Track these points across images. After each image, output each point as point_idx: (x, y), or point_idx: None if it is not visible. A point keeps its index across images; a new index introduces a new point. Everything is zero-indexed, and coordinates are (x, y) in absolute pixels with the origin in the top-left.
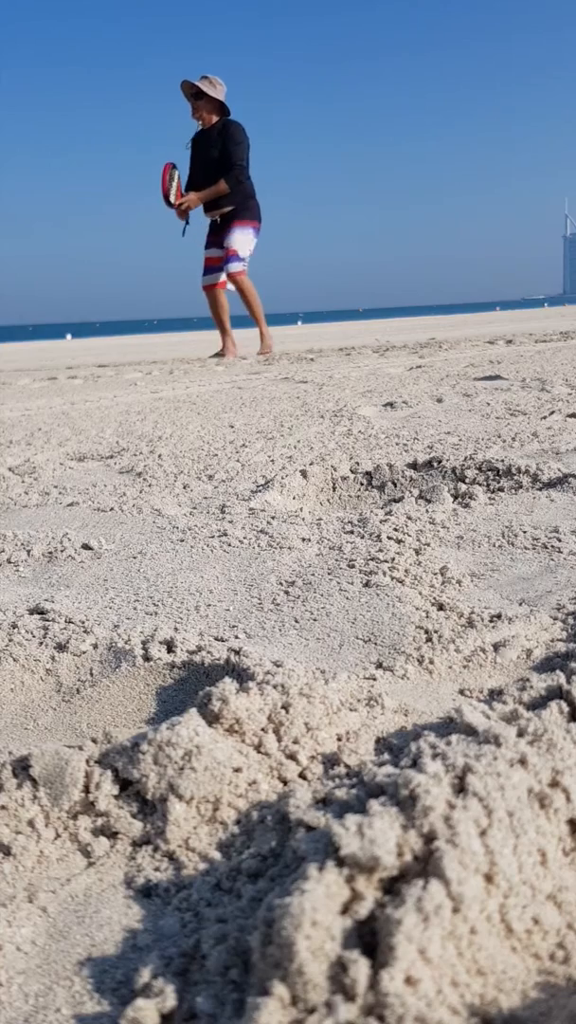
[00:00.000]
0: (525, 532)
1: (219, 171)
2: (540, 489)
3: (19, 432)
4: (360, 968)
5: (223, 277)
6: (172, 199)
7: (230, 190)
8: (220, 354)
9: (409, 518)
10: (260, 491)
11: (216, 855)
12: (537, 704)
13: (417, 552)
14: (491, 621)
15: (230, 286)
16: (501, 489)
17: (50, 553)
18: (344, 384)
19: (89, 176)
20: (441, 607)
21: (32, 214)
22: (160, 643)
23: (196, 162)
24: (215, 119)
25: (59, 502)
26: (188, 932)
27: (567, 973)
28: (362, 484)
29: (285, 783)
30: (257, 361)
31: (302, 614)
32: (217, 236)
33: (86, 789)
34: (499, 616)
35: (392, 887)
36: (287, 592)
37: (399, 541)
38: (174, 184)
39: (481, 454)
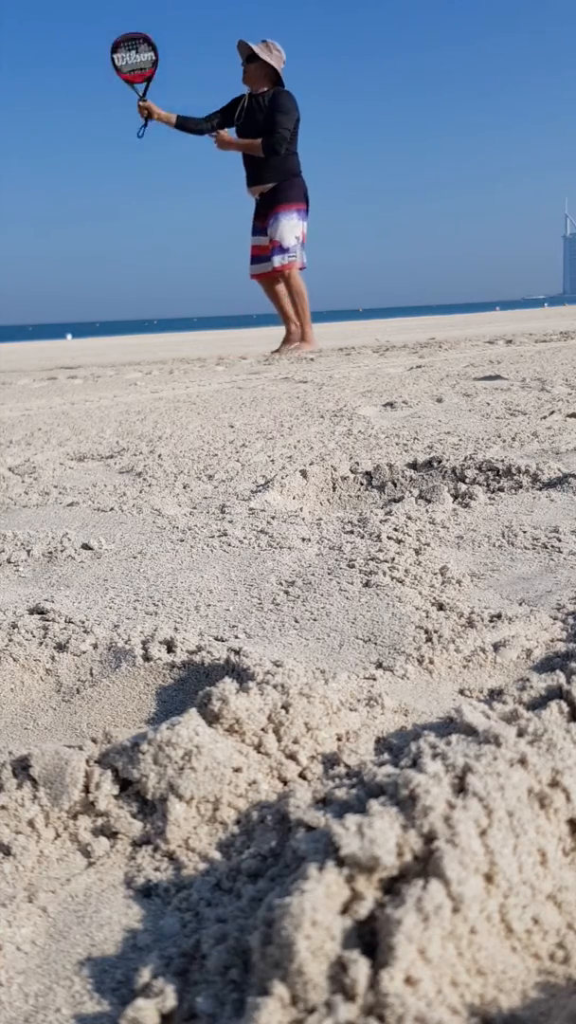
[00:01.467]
0: (525, 532)
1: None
2: (540, 489)
3: (19, 432)
4: (360, 968)
5: (271, 267)
6: (138, 90)
7: (265, 152)
8: (285, 342)
9: (409, 518)
10: (260, 491)
11: (216, 855)
12: (537, 704)
13: (417, 552)
14: (491, 621)
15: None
16: (501, 489)
17: (50, 553)
18: (344, 384)
19: (89, 176)
20: (441, 607)
21: (32, 214)
22: (160, 643)
23: (242, 131)
24: (265, 88)
25: (59, 502)
26: (188, 932)
27: (567, 973)
28: (362, 484)
29: (285, 783)
30: (301, 358)
31: (302, 614)
32: (262, 221)
33: (86, 789)
34: (499, 616)
35: (392, 887)
36: (287, 592)
37: (399, 541)
38: (144, 85)
39: (481, 454)
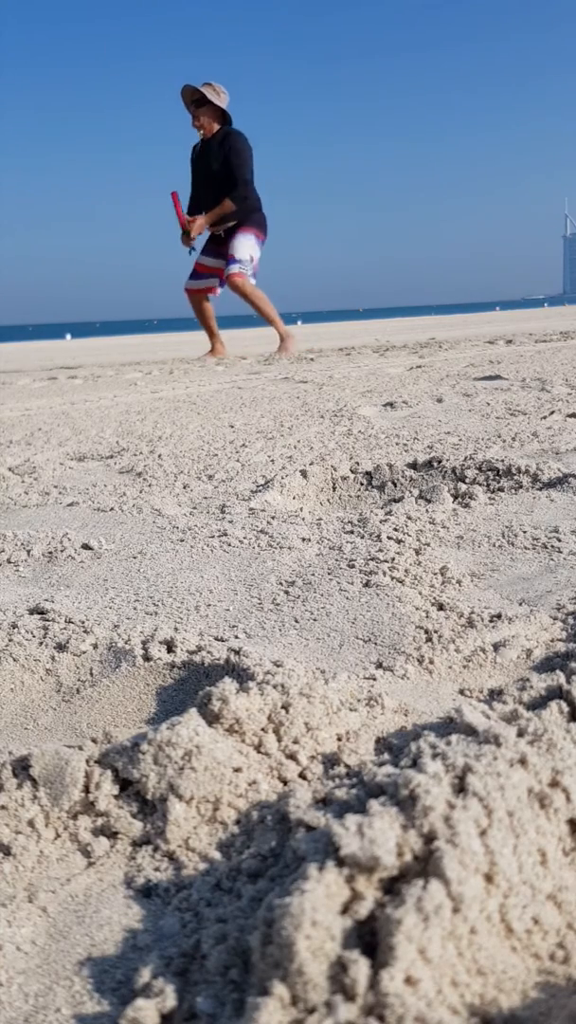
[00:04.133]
0: (525, 532)
1: (223, 185)
2: (540, 489)
3: (19, 432)
4: (360, 968)
5: (209, 285)
6: (186, 226)
7: (237, 205)
8: (208, 354)
9: (409, 518)
10: (260, 491)
11: (216, 855)
12: (537, 704)
13: (417, 552)
14: (491, 621)
15: (218, 292)
16: (501, 489)
17: (50, 553)
18: (344, 384)
19: (90, 176)
20: (441, 607)
21: (32, 214)
22: (160, 643)
23: (198, 175)
24: (216, 127)
25: (59, 502)
26: (188, 932)
27: (567, 973)
28: (362, 484)
29: (285, 783)
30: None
31: (302, 614)
32: (218, 246)
33: (86, 789)
34: (499, 616)
35: (392, 887)
36: (287, 592)
37: (399, 541)
38: (183, 210)
39: (481, 454)
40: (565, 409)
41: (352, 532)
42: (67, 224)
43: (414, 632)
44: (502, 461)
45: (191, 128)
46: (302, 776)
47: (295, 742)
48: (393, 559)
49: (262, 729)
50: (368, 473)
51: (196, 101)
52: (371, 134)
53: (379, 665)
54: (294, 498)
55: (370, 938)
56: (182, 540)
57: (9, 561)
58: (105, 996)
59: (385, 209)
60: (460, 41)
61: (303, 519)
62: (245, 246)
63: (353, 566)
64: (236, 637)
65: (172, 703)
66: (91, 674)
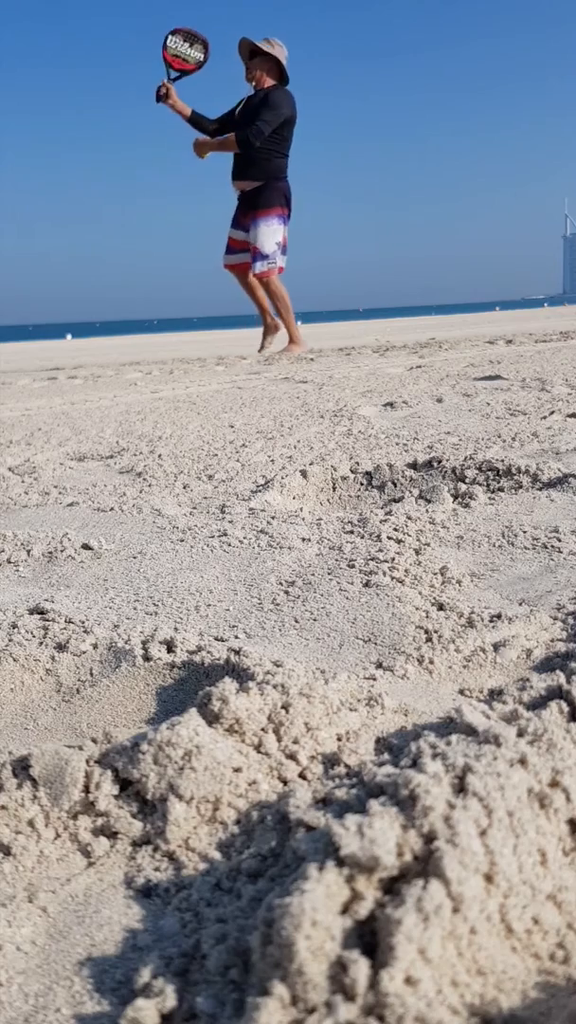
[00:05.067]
0: (525, 532)
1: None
2: (540, 489)
3: (19, 432)
4: (360, 968)
5: (245, 260)
6: (171, 74)
7: (240, 146)
8: (266, 334)
9: (409, 518)
10: (260, 491)
11: (216, 855)
12: (537, 704)
13: (417, 552)
14: (491, 621)
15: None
16: (501, 489)
17: (50, 553)
18: (344, 384)
19: (90, 176)
20: (441, 607)
21: (32, 214)
22: (160, 643)
23: (239, 127)
24: (269, 83)
25: (59, 502)
26: (188, 932)
27: (567, 973)
28: (362, 484)
29: (285, 783)
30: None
31: (302, 614)
32: (243, 219)
33: (86, 789)
34: (499, 616)
35: (392, 887)
36: (287, 592)
37: (399, 541)
38: (173, 71)
39: (481, 454)
40: (565, 409)
41: (352, 532)
42: (67, 224)
43: (414, 632)
44: (502, 461)
45: (244, 82)
46: (302, 776)
47: (295, 742)
48: (393, 559)
49: (262, 729)
50: (368, 473)
51: (252, 53)
52: (371, 134)
53: (379, 665)
54: (294, 498)
55: (370, 938)
56: (182, 540)
57: (9, 561)
58: (105, 996)
59: (385, 209)
60: (460, 41)
61: (303, 519)
62: (269, 236)
63: (353, 566)
64: (236, 637)
65: (172, 703)
66: (91, 674)
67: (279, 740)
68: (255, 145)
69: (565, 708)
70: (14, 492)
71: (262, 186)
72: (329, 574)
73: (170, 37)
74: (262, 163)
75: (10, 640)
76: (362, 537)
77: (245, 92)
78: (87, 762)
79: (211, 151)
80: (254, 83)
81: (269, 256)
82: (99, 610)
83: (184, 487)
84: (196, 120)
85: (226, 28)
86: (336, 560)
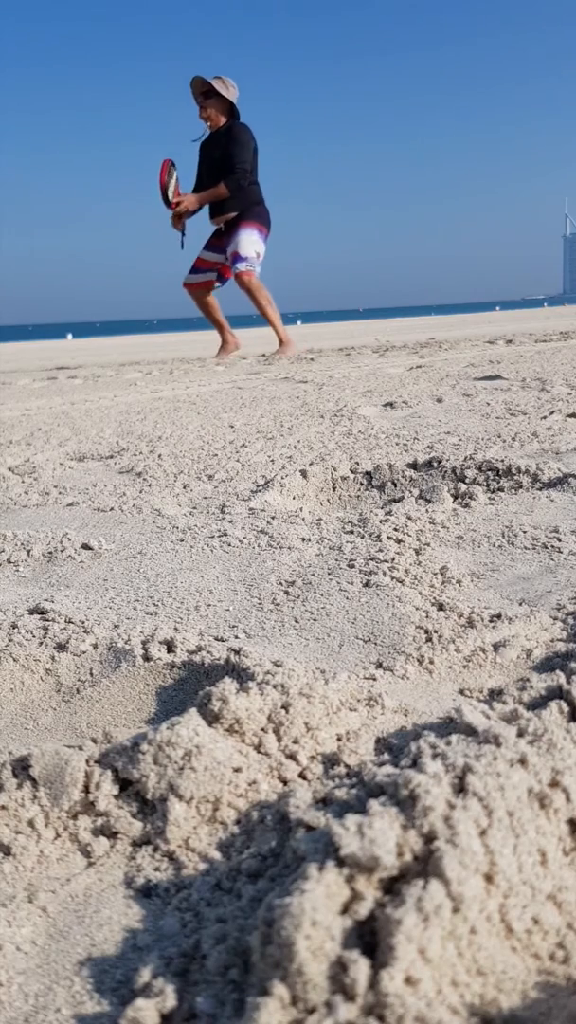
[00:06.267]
0: (525, 532)
1: (222, 174)
2: (540, 489)
3: (19, 432)
4: (360, 968)
5: (208, 279)
6: (170, 196)
7: (230, 193)
8: (222, 350)
9: (409, 518)
10: (260, 491)
11: (216, 855)
12: (537, 704)
13: (417, 552)
14: (491, 621)
15: (217, 287)
16: (501, 489)
17: (50, 553)
18: (344, 384)
19: (90, 176)
20: (441, 607)
21: (32, 214)
22: (160, 643)
23: (202, 166)
24: (223, 121)
25: (59, 502)
26: (188, 932)
27: (567, 973)
28: (362, 484)
29: (285, 783)
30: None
31: (302, 614)
32: (219, 240)
33: (86, 789)
34: (499, 616)
35: (392, 887)
36: (287, 592)
37: (399, 541)
38: (172, 182)
39: (481, 454)
40: (565, 409)
41: (352, 532)
42: (68, 224)
43: (414, 632)
44: (502, 461)
45: (198, 121)
46: (302, 776)
47: (295, 742)
48: (393, 559)
49: (262, 729)
50: (368, 473)
51: (205, 93)
52: (371, 133)
53: (379, 665)
54: (294, 498)
55: (370, 938)
56: (182, 540)
57: (9, 561)
58: (105, 996)
59: (385, 209)
60: (460, 41)
61: (303, 519)
62: (249, 243)
63: (353, 566)
64: (236, 637)
65: (172, 703)
66: (91, 674)
67: (279, 740)
68: (245, 186)
69: (565, 708)
70: (14, 492)
71: (242, 211)
72: (329, 574)
73: (174, 171)
74: (239, 195)
75: (10, 640)
76: (362, 537)
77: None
78: (87, 762)
79: (200, 206)
80: (208, 121)
81: (249, 259)
82: (99, 610)
83: (184, 487)
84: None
85: (227, 25)
86: (336, 560)
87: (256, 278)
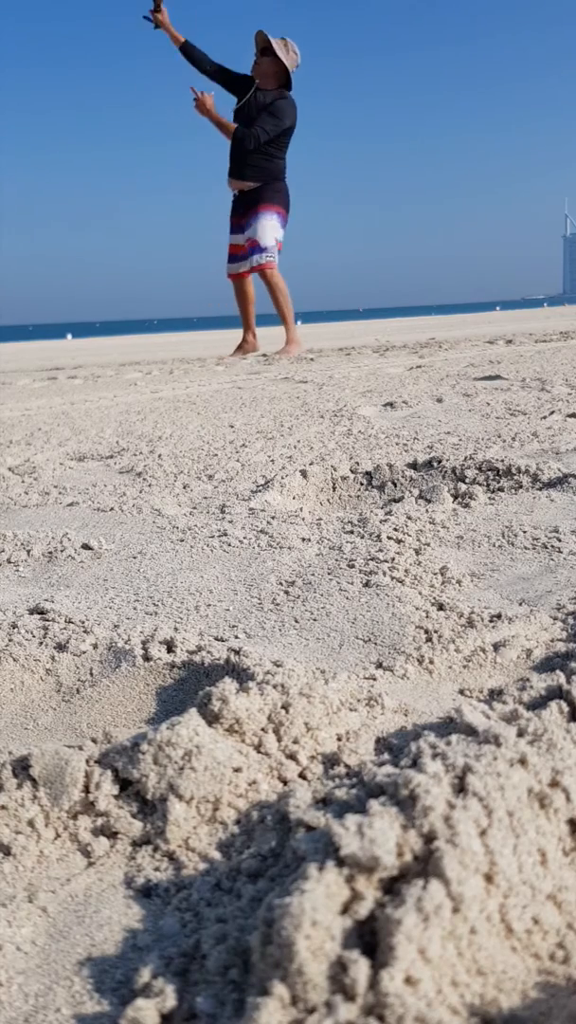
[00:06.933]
0: (525, 532)
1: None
2: (540, 489)
3: (19, 432)
4: (360, 968)
5: (248, 266)
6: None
7: (235, 140)
8: (239, 349)
9: (409, 518)
10: (260, 491)
11: (216, 855)
12: (537, 704)
13: (417, 552)
14: (491, 621)
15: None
16: (501, 489)
17: (50, 553)
18: (344, 384)
19: (90, 176)
20: (441, 607)
21: (33, 214)
22: (160, 643)
23: (236, 117)
24: (272, 85)
25: (59, 502)
26: (188, 932)
27: (567, 973)
28: (362, 484)
29: (285, 783)
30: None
31: (302, 614)
32: (240, 220)
33: (86, 789)
34: (499, 616)
35: (392, 887)
36: (287, 592)
37: (399, 541)
38: None
39: (481, 454)
40: (565, 409)
41: (352, 532)
42: (68, 224)
43: (414, 632)
44: (502, 461)
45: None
46: (302, 776)
47: (295, 742)
48: (393, 559)
49: (262, 729)
50: (368, 473)
51: (264, 50)
52: (371, 133)
53: (379, 665)
54: (294, 498)
55: (370, 938)
56: (182, 540)
57: (9, 561)
58: (105, 996)
59: (385, 209)
60: (460, 40)
61: (303, 519)
62: (269, 230)
63: (353, 566)
64: (236, 637)
65: (172, 703)
66: (91, 674)
67: (279, 740)
68: (248, 147)
69: (565, 708)
70: (14, 492)
71: (262, 186)
72: (329, 574)
73: None
74: (261, 164)
75: (10, 640)
76: (362, 537)
77: (249, 60)
78: (87, 762)
79: (209, 118)
80: (258, 79)
81: (267, 249)
82: (99, 610)
83: (184, 487)
84: (189, 51)
85: (227, 25)
86: (336, 560)
87: (277, 271)
